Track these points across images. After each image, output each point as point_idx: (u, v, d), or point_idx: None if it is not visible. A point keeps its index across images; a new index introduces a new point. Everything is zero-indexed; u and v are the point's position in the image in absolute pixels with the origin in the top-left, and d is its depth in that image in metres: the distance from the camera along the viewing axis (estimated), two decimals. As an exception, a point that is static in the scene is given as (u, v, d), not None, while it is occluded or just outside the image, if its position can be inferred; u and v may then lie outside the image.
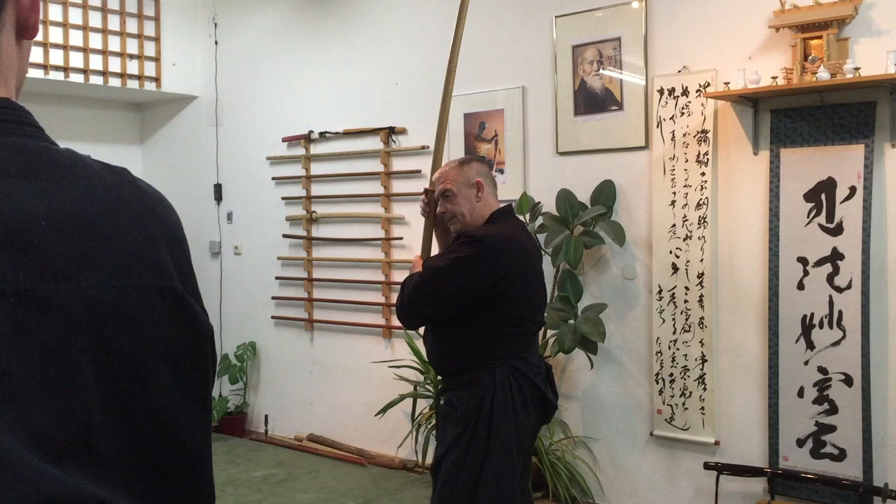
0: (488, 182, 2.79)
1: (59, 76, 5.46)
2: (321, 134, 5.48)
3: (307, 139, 5.57)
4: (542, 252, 4.31)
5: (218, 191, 6.13)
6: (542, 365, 2.76)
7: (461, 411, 2.62)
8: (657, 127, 4.04)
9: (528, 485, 2.91)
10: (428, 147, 4.97)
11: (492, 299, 2.60)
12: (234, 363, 5.83)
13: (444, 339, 2.71)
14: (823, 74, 3.43)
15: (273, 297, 5.82)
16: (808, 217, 3.64)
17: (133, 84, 5.88)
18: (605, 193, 4.20)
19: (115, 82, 5.78)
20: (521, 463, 2.74)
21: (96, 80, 5.67)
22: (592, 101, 4.30)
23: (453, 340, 2.68)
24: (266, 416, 5.83)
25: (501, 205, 2.84)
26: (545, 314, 2.89)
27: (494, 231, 2.69)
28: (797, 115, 3.67)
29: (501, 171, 4.65)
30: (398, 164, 5.17)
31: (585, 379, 4.37)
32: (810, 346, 3.64)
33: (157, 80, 6.01)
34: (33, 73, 5.35)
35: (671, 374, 4.02)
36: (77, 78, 5.53)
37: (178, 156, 6.44)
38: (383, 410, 4.79)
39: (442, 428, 2.72)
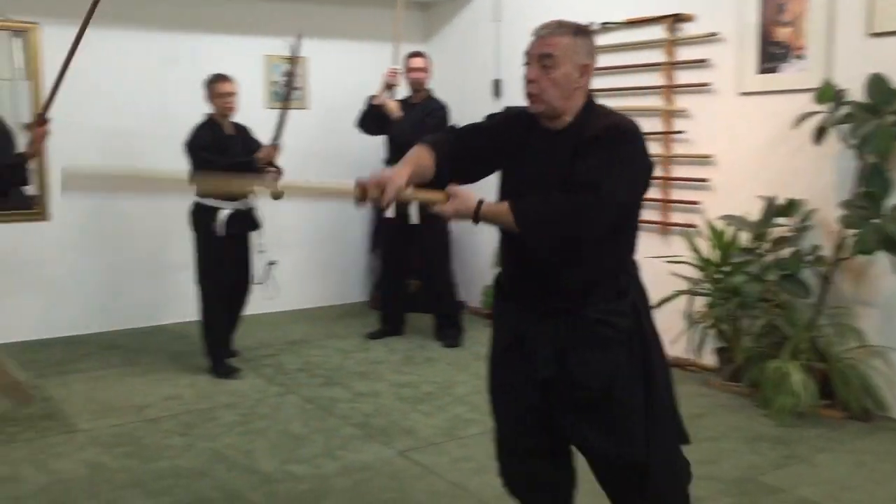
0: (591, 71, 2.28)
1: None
2: (603, 24, 5.35)
3: (587, 31, 5.46)
4: (852, 145, 3.96)
5: (497, 86, 6.24)
6: None
7: (623, 328, 2.24)
8: None
9: None
10: (717, 34, 4.68)
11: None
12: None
13: (589, 249, 2.22)
14: None
15: (548, 192, 5.89)
16: None
17: (419, -19, 6.09)
18: (928, 78, 3.72)
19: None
20: None
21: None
22: (919, -29, 3.77)
23: (601, 247, 2.23)
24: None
25: None
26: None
27: (629, 119, 2.26)
28: None
29: (800, 57, 4.27)
30: (683, 54, 4.93)
31: (888, 284, 3.99)
32: None
33: (441, -23, 6.17)
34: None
35: None
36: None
37: (460, 53, 6.62)
38: (658, 305, 4.73)
39: (585, 357, 2.24)
